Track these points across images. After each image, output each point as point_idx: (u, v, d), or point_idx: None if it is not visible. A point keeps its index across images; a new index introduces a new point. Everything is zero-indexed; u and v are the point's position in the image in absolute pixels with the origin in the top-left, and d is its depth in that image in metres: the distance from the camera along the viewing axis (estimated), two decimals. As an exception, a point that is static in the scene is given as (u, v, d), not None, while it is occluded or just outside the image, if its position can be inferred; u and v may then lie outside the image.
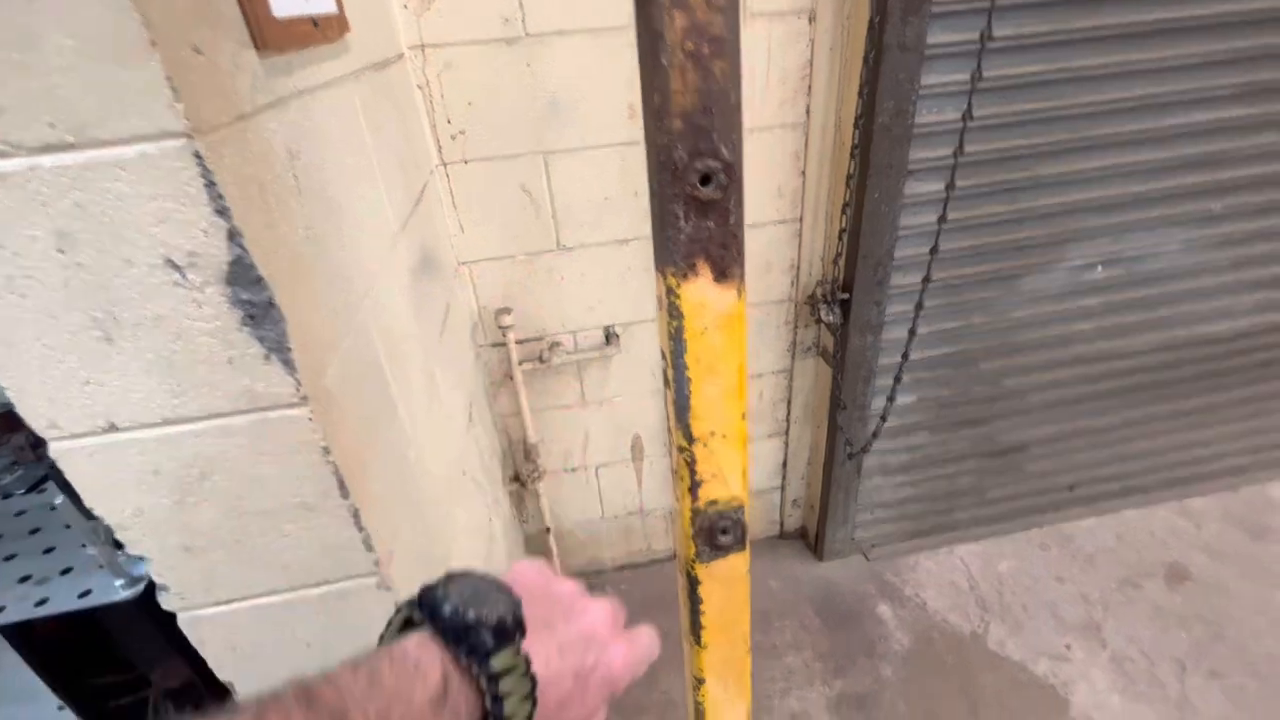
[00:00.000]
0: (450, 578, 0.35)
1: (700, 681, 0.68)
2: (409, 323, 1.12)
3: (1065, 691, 1.98)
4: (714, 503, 0.56)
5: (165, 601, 0.68)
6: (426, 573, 0.53)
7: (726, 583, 0.61)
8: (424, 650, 0.32)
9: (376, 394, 0.85)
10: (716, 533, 0.59)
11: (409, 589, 0.45)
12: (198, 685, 0.94)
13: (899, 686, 2.03)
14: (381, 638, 0.35)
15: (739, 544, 0.60)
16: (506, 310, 1.78)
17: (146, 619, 0.83)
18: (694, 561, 0.58)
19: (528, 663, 0.34)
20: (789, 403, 2.24)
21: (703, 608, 0.64)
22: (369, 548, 0.71)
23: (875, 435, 1.90)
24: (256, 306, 0.56)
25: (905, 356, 1.76)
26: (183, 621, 0.69)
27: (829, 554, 2.47)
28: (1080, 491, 2.56)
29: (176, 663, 0.94)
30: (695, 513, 0.56)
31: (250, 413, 0.61)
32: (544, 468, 2.17)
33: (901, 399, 2.14)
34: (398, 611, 0.35)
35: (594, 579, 2.50)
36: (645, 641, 0.44)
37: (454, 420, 1.41)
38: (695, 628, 0.65)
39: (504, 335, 1.82)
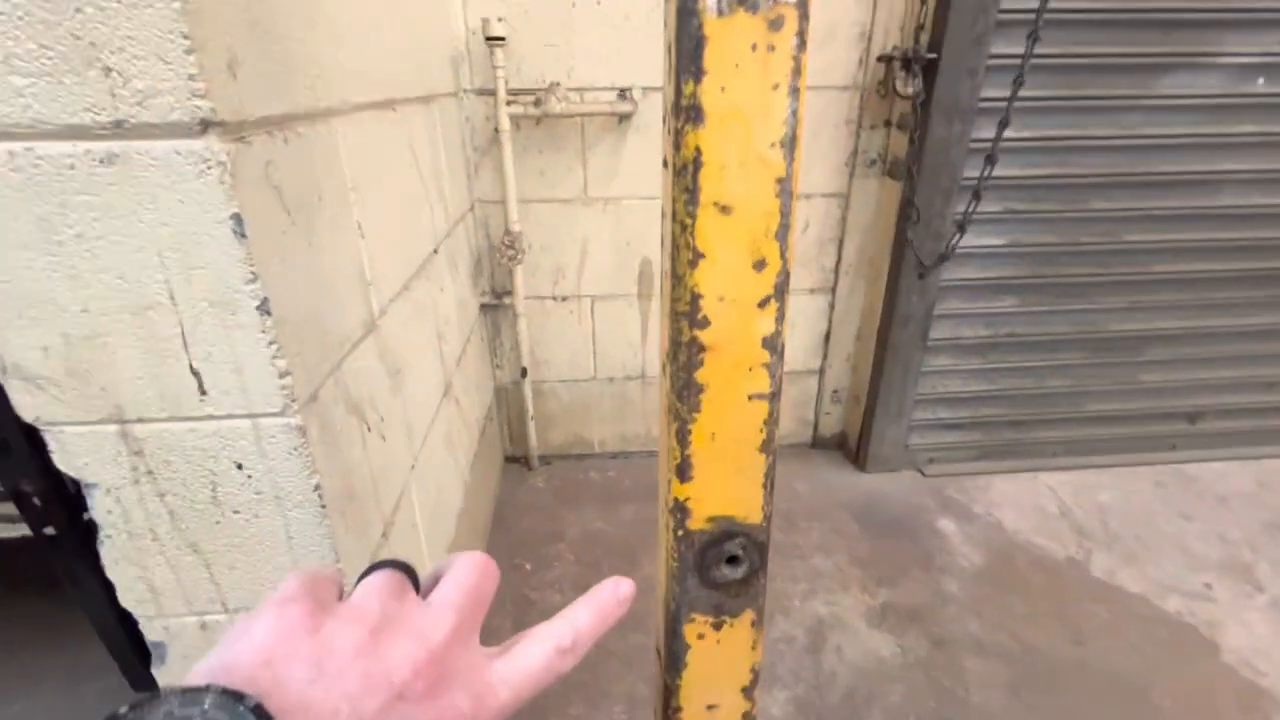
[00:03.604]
0: (134, 707, 0.17)
1: None
2: None
3: (1210, 632, 1.40)
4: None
5: None
6: None
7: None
8: None
9: None
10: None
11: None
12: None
13: (968, 603, 1.48)
14: None
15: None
16: (499, 40, 1.41)
17: None
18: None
19: None
20: (840, 244, 1.79)
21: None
22: None
23: (963, 230, 1.43)
24: None
25: (1004, 122, 1.31)
26: None
27: (874, 464, 1.95)
28: (1204, 426, 2.00)
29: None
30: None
31: None
32: (524, 287, 1.75)
33: (989, 239, 1.68)
34: None
35: (576, 463, 2.01)
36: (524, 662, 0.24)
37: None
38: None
39: (493, 62, 1.44)
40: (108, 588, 0.79)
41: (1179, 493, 1.86)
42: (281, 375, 0.63)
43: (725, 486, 0.37)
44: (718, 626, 0.41)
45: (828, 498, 1.85)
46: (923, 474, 1.95)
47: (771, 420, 0.35)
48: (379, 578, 0.23)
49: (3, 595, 1.51)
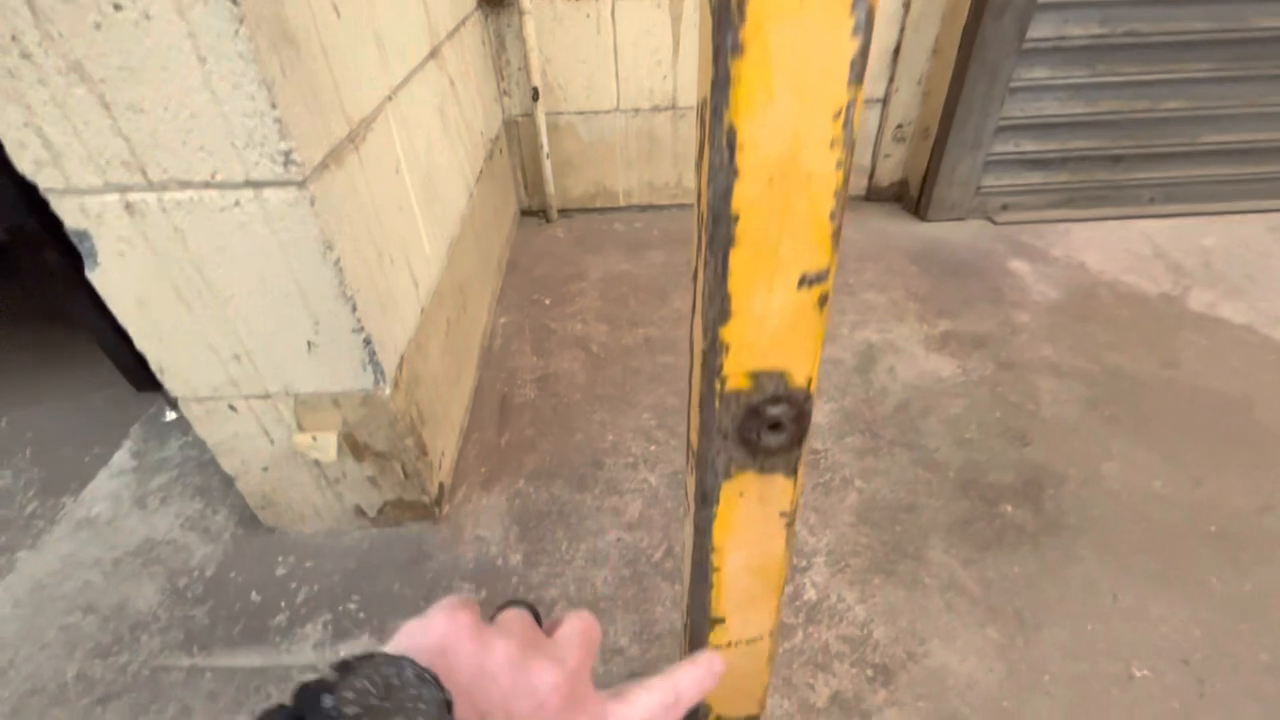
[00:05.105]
0: (347, 666, 0.20)
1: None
2: None
3: (1329, 359, 1.22)
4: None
5: None
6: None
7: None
8: None
9: None
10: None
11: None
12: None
13: (1041, 332, 1.31)
14: None
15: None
16: None
17: None
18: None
19: None
20: (927, -92, 1.40)
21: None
22: None
23: None
24: None
25: None
26: None
27: (938, 210, 1.71)
28: (1343, 166, 1.67)
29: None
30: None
31: None
32: (534, -27, 1.44)
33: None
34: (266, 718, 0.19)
35: (599, 216, 1.81)
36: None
37: None
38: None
39: None
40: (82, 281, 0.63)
41: (1299, 237, 1.60)
42: None
43: None
44: None
45: (884, 242, 1.65)
46: (993, 222, 1.71)
47: None
48: (516, 611, 0.26)
49: (16, 325, 1.46)
